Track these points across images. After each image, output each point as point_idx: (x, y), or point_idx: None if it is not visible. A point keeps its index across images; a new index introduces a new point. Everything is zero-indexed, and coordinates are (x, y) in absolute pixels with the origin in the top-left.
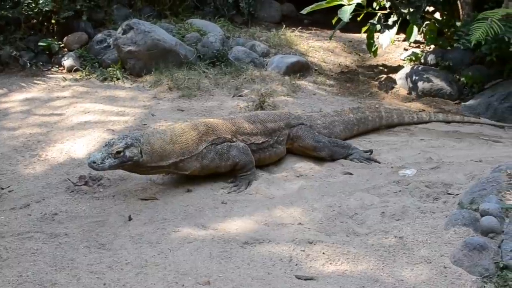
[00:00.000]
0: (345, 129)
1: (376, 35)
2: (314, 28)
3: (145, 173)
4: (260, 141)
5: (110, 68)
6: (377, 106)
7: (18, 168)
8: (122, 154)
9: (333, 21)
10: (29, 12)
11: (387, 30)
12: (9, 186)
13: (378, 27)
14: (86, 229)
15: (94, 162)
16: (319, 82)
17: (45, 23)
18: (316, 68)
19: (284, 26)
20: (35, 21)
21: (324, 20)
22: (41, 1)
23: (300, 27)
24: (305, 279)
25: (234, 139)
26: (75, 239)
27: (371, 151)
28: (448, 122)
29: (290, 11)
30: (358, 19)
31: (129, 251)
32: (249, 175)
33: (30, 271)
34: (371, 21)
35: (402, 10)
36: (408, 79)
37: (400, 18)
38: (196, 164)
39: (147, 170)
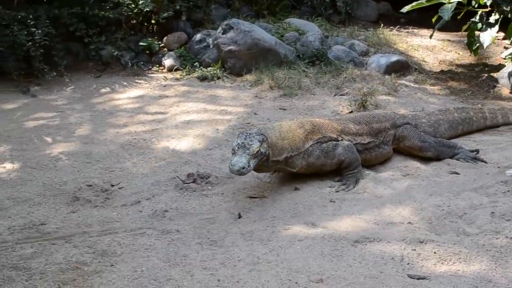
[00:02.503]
0: (450, 128)
1: (476, 33)
2: (411, 26)
3: (264, 170)
4: (366, 141)
5: (210, 68)
6: (481, 106)
7: (126, 165)
8: (259, 152)
9: (433, 20)
10: (129, 13)
11: (488, 29)
12: (119, 183)
13: (479, 25)
14: (197, 226)
15: (244, 168)
16: (419, 81)
17: (145, 23)
18: (416, 67)
19: (382, 25)
20: (135, 21)
21: (420, 18)
22: (141, 2)
23: (398, 26)
24: (417, 279)
25: (340, 138)
26: (187, 236)
27: (477, 151)
28: None
29: (386, 10)
30: (458, 17)
31: (241, 248)
32: (356, 173)
33: (144, 266)
34: (473, 19)
35: (504, 8)
36: (511, 78)
37: (501, 16)
38: (303, 162)
39: (268, 166)
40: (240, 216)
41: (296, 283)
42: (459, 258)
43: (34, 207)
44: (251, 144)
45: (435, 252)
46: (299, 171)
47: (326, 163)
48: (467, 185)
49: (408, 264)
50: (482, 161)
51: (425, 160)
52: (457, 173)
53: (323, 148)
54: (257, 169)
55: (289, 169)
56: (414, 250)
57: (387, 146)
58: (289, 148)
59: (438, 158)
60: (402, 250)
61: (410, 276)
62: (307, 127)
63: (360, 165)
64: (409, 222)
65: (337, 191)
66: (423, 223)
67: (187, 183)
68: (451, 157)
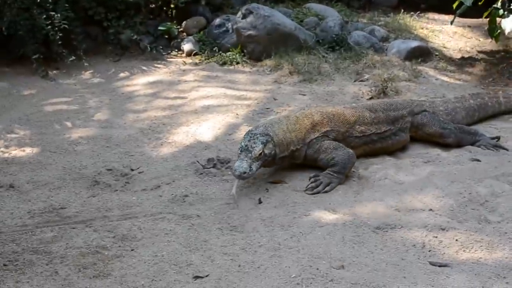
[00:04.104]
0: (467, 116)
1: (497, 20)
2: (431, 12)
3: (272, 165)
4: (382, 130)
5: (229, 52)
6: (496, 91)
7: (145, 150)
8: (262, 154)
9: (454, 6)
10: None
11: (510, 15)
12: (138, 168)
13: (501, 12)
14: (217, 211)
15: (245, 173)
16: (440, 67)
17: (164, 8)
18: (437, 54)
19: (402, 10)
20: (154, 5)
21: (441, 4)
22: None
23: (418, 12)
24: (439, 266)
25: (350, 130)
26: (207, 221)
27: (498, 138)
28: None
29: None
30: (480, 3)
31: (261, 233)
32: (334, 178)
33: (165, 251)
34: (494, 5)
35: None
36: None
37: None
38: (303, 153)
39: (276, 162)
40: (260, 202)
41: (317, 269)
42: (481, 246)
43: (54, 191)
44: (254, 147)
45: (456, 240)
46: (300, 162)
47: (321, 158)
48: (489, 172)
49: (429, 251)
50: (504, 148)
51: (446, 147)
52: (479, 160)
53: (324, 144)
54: (265, 166)
55: (292, 161)
56: (436, 237)
57: (404, 133)
58: (296, 141)
59: (459, 145)
60: (424, 237)
61: (432, 263)
62: (316, 118)
63: (344, 176)
64: (431, 209)
65: (305, 191)
66: (445, 210)
67: (207, 168)
68: (472, 144)
